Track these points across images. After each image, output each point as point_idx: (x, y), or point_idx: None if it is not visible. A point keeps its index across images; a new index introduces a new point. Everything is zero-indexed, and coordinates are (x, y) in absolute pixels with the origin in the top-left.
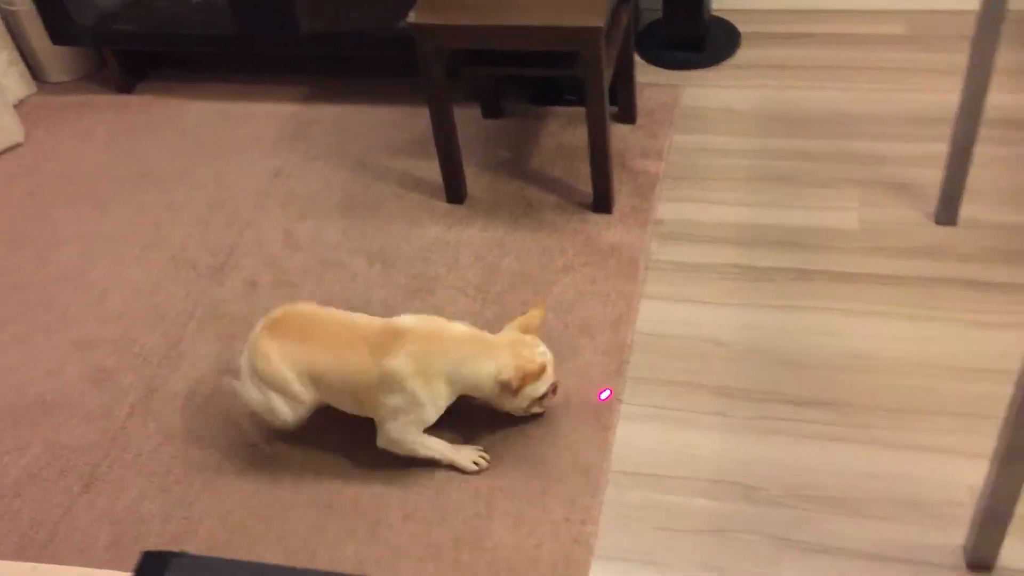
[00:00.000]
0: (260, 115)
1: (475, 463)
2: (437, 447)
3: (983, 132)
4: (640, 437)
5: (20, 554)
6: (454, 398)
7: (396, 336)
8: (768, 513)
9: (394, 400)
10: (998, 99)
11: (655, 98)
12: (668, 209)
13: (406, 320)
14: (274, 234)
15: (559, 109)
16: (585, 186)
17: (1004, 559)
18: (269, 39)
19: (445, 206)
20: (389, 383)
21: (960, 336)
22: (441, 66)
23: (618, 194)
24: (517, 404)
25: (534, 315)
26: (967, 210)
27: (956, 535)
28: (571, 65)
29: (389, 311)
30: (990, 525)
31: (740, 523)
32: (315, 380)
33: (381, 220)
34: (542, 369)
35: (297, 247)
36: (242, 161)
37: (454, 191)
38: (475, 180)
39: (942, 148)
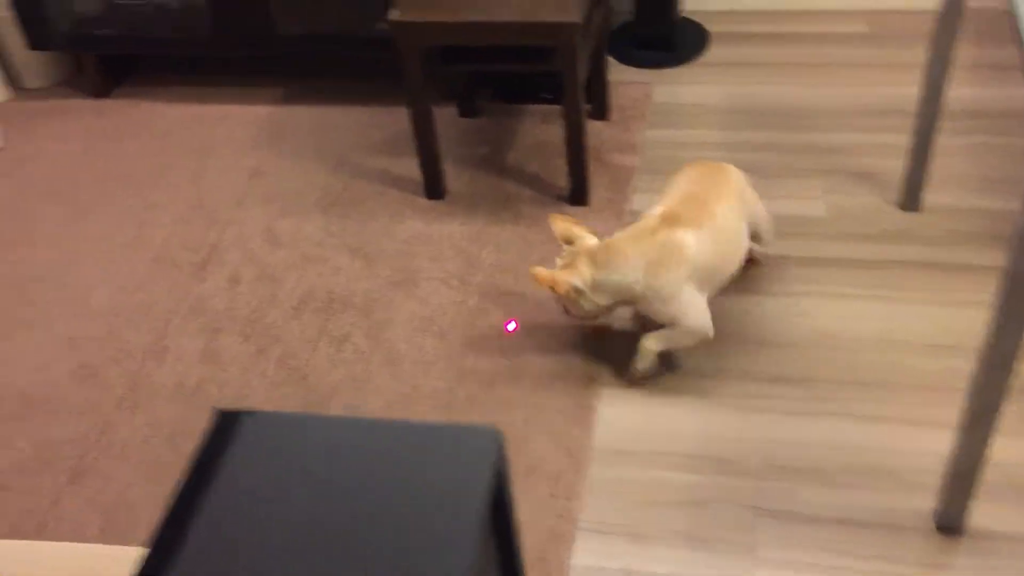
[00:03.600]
0: (237, 116)
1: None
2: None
3: (942, 123)
4: (621, 416)
5: None
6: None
7: None
8: (745, 484)
9: None
10: (956, 92)
11: (628, 95)
12: (643, 201)
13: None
14: (255, 232)
15: (534, 107)
16: (562, 180)
17: (972, 520)
18: (245, 41)
19: (425, 202)
20: None
21: (925, 315)
22: (421, 63)
23: (594, 187)
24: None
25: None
26: (929, 196)
27: (926, 500)
28: (548, 61)
29: (373, 302)
30: (958, 489)
31: (718, 494)
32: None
33: (362, 216)
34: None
35: (279, 243)
36: (220, 162)
37: (433, 187)
38: (454, 176)
39: (901, 138)
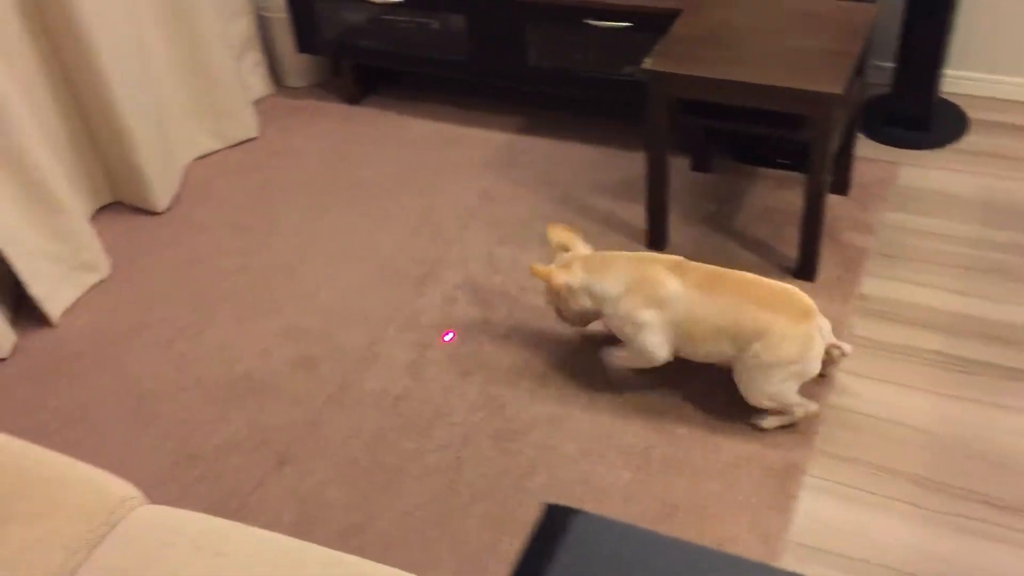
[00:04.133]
0: (476, 139)
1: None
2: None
3: None
4: (823, 511)
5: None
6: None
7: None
8: None
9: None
10: None
11: (871, 172)
12: (873, 285)
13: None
14: (477, 254)
15: (769, 171)
16: (789, 250)
17: None
18: (496, 68)
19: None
20: None
21: None
22: (667, 113)
23: (823, 264)
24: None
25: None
26: None
27: None
28: (797, 128)
29: (581, 344)
30: None
31: None
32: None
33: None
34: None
35: (497, 269)
36: (454, 180)
37: (656, 236)
38: (677, 229)
39: None
